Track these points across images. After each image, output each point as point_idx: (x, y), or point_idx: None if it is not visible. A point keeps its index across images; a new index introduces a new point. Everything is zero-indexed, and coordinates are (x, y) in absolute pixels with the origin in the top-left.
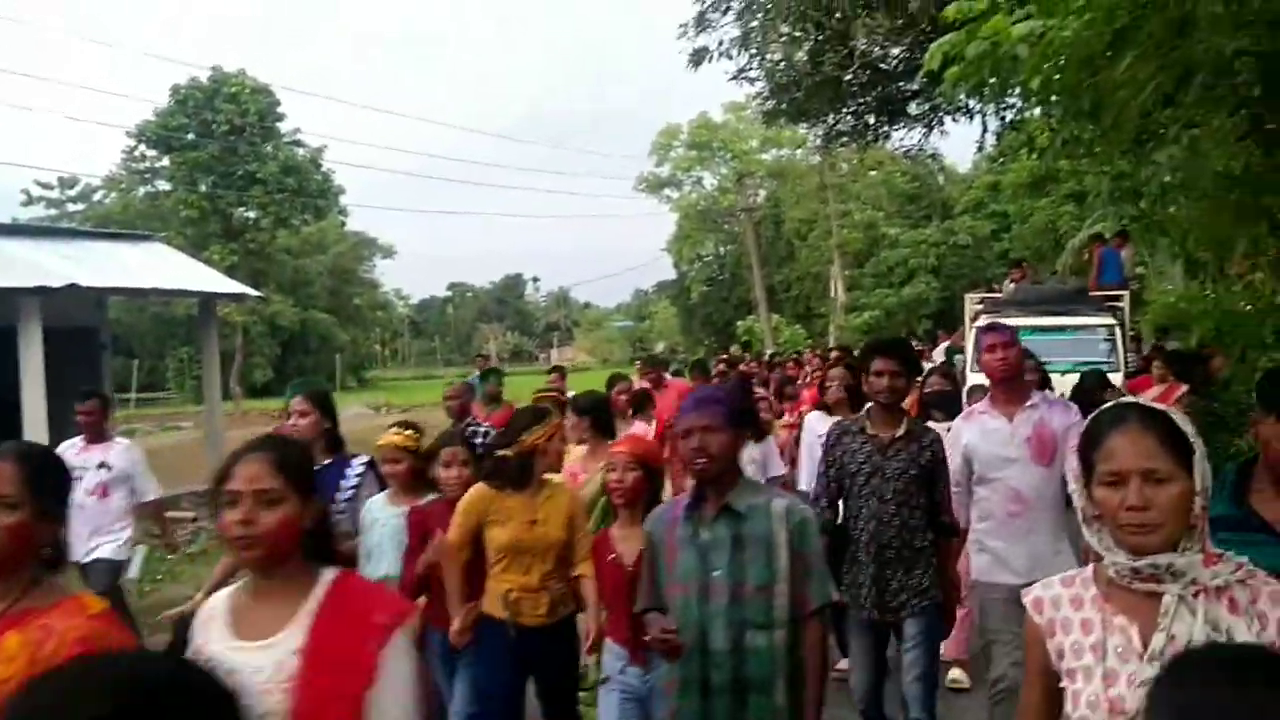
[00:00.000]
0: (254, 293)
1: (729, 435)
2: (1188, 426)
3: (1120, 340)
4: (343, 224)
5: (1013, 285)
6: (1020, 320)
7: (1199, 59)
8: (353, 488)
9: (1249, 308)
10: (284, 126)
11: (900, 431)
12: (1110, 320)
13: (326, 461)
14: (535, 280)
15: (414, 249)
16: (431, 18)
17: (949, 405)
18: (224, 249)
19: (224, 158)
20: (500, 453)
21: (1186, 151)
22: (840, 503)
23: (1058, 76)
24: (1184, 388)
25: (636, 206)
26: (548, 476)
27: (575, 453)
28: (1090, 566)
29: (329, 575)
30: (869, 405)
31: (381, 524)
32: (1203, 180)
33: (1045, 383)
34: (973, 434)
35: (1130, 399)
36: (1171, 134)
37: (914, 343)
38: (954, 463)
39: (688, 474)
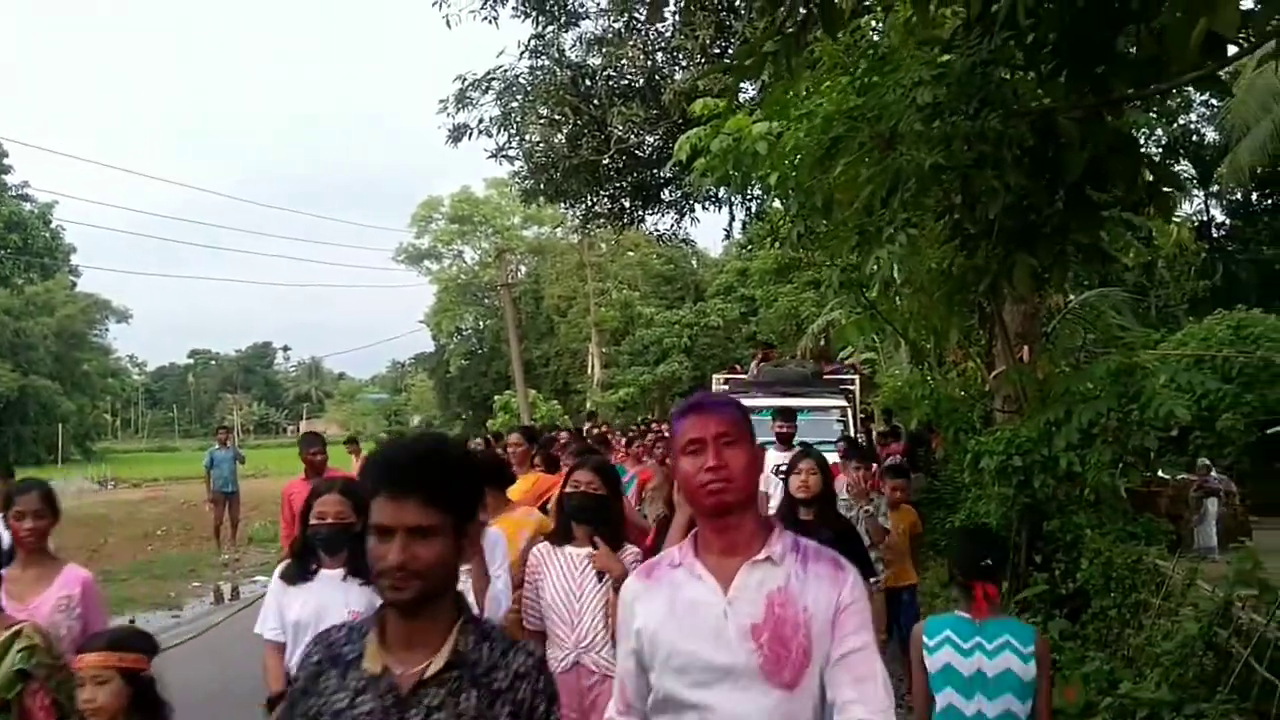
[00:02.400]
0: None
1: None
2: None
3: (851, 420)
4: (73, 285)
5: (756, 367)
6: (761, 400)
7: (905, 168)
8: None
9: (962, 394)
10: (10, 179)
11: (437, 665)
12: (842, 402)
13: None
14: (285, 349)
15: (153, 314)
16: (180, 77)
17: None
18: None
19: None
20: None
21: (906, 249)
22: None
23: (794, 174)
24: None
25: (395, 278)
26: None
27: None
28: None
29: None
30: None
31: None
32: (919, 276)
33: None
34: (655, 610)
35: None
36: (886, 234)
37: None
38: (621, 663)
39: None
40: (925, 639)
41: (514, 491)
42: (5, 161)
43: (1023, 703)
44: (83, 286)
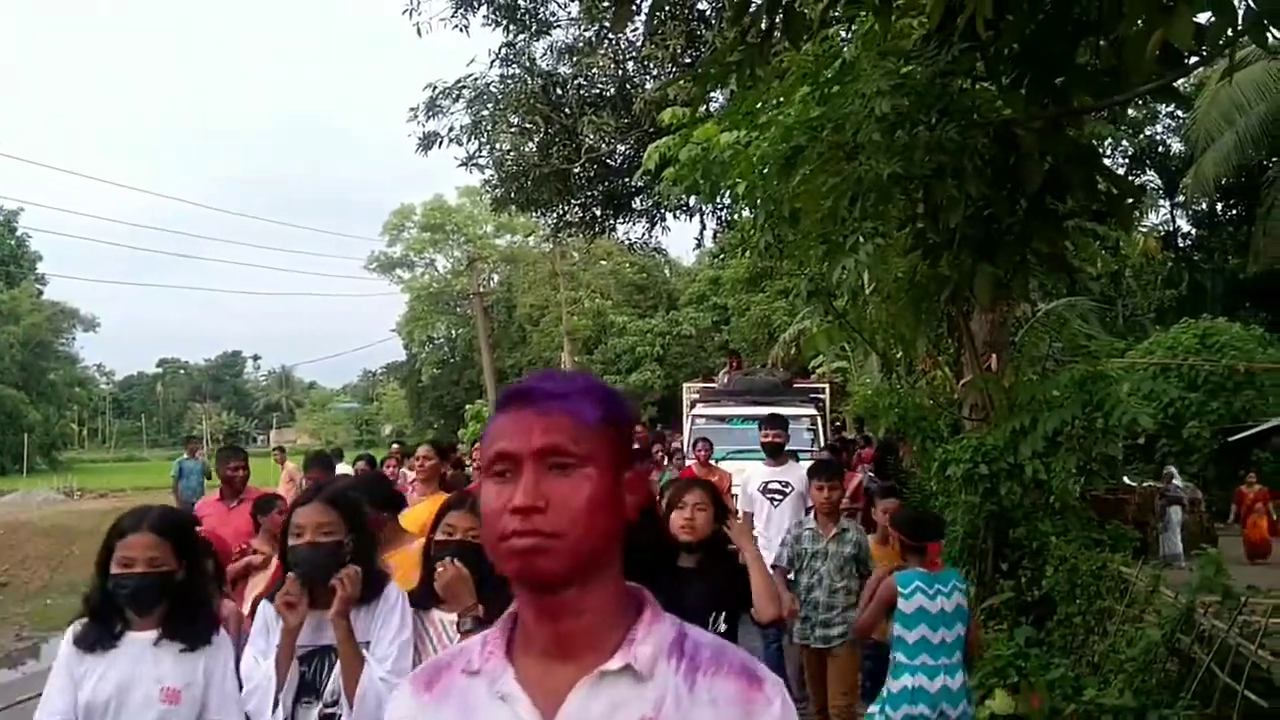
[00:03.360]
0: None
1: None
2: None
3: (821, 429)
4: (39, 293)
5: (727, 376)
6: (731, 409)
7: (865, 178)
8: None
9: (930, 402)
10: None
11: None
12: (812, 410)
13: None
14: (256, 358)
15: (121, 322)
16: (149, 86)
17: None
18: None
19: None
20: None
21: (872, 258)
22: None
23: (761, 183)
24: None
25: (367, 286)
26: None
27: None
28: None
29: None
30: None
31: None
32: (886, 285)
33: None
34: None
35: None
36: (849, 243)
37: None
38: None
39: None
40: (900, 588)
41: (417, 516)
42: None
43: (964, 626)
44: (49, 294)
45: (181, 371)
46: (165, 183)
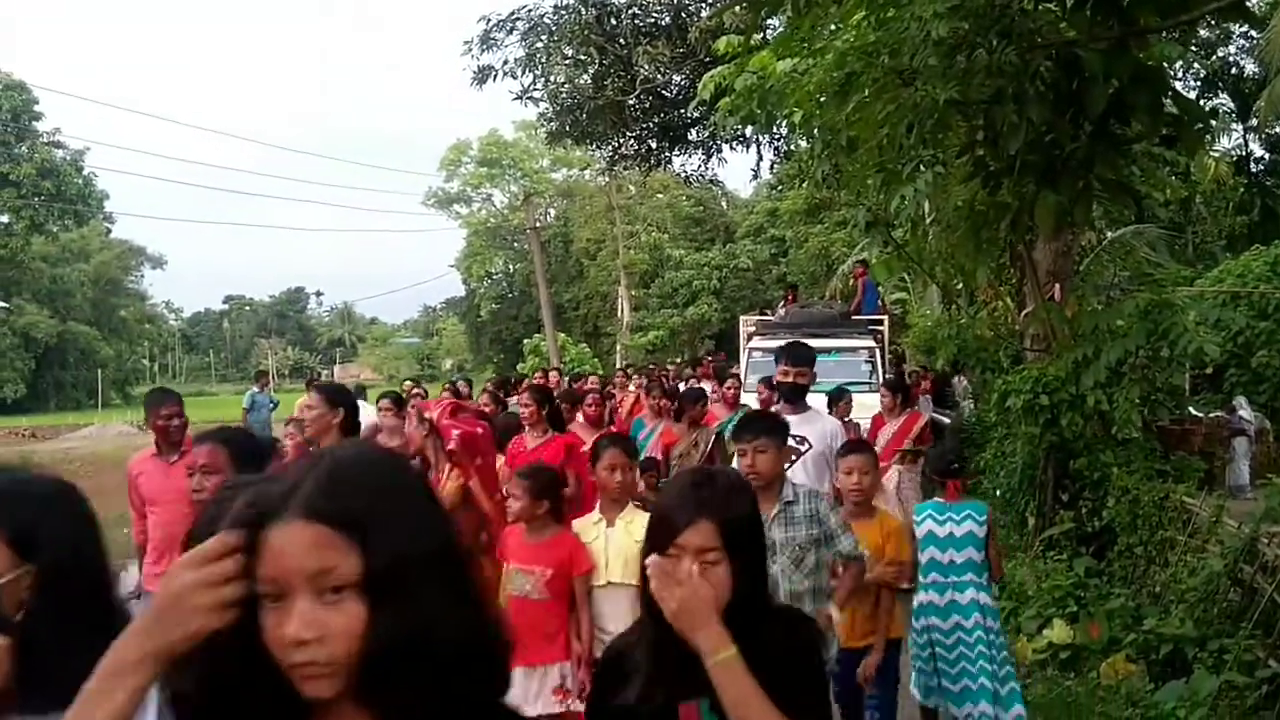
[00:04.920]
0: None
1: None
2: None
3: (880, 361)
4: (107, 231)
5: (784, 309)
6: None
7: (923, 104)
8: None
9: (991, 333)
10: (42, 126)
11: None
12: (871, 343)
13: None
14: (318, 294)
15: (188, 260)
16: (204, 24)
17: None
18: None
19: None
20: None
21: (931, 187)
22: None
23: (818, 112)
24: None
25: (425, 222)
26: None
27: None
28: None
29: None
30: None
31: None
32: (946, 214)
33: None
34: None
35: None
36: (907, 172)
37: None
38: None
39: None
40: (915, 516)
41: None
42: (36, 109)
43: (979, 552)
44: (117, 233)
45: (247, 308)
46: (227, 122)
